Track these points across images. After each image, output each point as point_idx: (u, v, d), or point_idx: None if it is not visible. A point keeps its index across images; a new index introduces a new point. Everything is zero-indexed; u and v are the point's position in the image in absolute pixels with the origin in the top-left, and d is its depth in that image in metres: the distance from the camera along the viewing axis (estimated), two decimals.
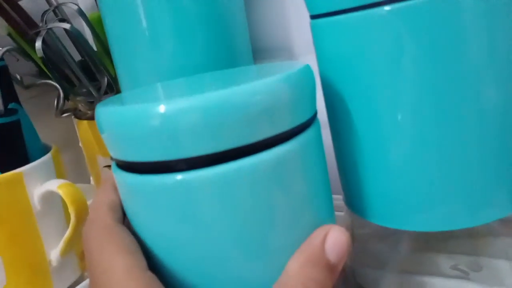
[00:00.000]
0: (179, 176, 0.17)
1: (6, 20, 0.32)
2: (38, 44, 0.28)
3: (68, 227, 0.29)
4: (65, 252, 0.28)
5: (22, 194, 0.27)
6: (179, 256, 0.18)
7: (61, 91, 0.34)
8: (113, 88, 0.36)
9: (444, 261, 0.24)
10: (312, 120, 0.20)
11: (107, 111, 0.18)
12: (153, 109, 0.17)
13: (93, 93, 0.34)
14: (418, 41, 0.18)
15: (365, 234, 0.25)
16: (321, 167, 0.20)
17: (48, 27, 0.30)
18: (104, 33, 0.33)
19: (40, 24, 0.32)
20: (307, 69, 0.19)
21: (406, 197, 0.20)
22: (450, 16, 0.18)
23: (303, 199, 0.19)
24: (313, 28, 0.22)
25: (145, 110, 0.17)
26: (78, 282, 0.31)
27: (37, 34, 0.31)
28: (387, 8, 0.19)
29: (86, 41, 0.33)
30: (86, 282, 0.30)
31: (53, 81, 0.35)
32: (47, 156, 0.28)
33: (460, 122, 0.19)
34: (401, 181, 0.20)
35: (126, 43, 0.29)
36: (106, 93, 0.34)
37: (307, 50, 0.32)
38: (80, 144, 0.40)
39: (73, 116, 0.38)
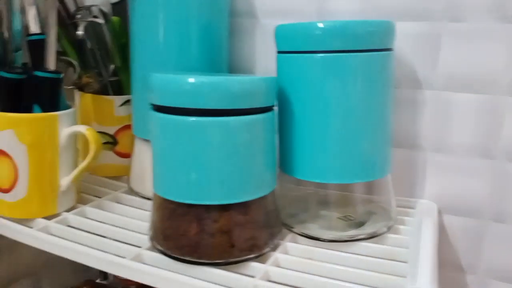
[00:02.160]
0: (193, 118, 0.30)
1: None
2: (81, 31, 0.40)
3: (76, 165, 0.39)
4: (76, 179, 0.39)
5: (54, 130, 0.37)
6: (187, 170, 0.31)
7: (77, 67, 0.45)
8: (117, 73, 0.47)
9: (335, 214, 0.38)
10: (271, 107, 0.34)
11: (164, 77, 0.31)
12: (188, 79, 0.30)
13: (103, 74, 0.46)
14: (331, 76, 0.34)
15: (291, 191, 0.39)
16: (273, 136, 0.34)
17: (89, 19, 0.41)
18: (117, 33, 0.45)
19: (78, 16, 0.43)
20: (274, 79, 0.34)
21: (320, 159, 0.35)
22: (342, 65, 0.34)
23: (260, 149, 0.33)
24: (278, 59, 0.37)
25: (184, 79, 0.30)
26: (72, 208, 0.41)
27: (74, 23, 0.43)
28: (319, 55, 0.34)
29: (107, 35, 0.44)
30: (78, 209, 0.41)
31: (72, 59, 0.45)
32: (73, 109, 0.39)
33: (348, 123, 0.34)
34: (318, 149, 0.35)
35: (145, 44, 0.41)
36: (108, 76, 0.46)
37: (264, 73, 0.47)
38: None
39: (76, 90, 0.48)
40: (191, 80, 0.30)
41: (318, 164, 0.36)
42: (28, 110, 0.37)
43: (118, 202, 0.44)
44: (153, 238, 0.34)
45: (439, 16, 0.40)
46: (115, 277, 0.59)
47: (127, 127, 0.49)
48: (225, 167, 0.31)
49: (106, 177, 0.49)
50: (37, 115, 0.37)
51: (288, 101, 0.36)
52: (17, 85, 0.36)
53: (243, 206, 0.32)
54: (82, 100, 0.48)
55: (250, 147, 0.32)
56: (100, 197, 0.44)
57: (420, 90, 0.43)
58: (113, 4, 0.48)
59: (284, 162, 0.38)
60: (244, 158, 0.32)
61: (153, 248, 0.34)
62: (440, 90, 0.42)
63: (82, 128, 0.37)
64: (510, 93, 0.40)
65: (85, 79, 0.46)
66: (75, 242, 0.36)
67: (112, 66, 0.47)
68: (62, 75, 0.38)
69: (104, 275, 0.62)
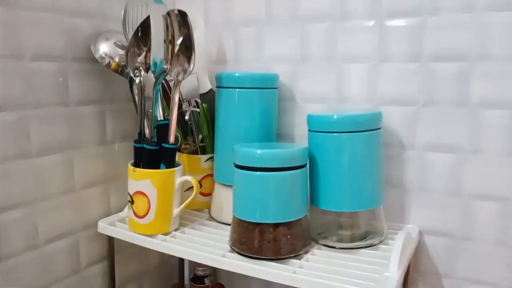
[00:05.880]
0: (259, 172, 0.53)
1: (166, 100, 0.68)
2: (187, 116, 0.66)
3: (179, 202, 0.63)
4: (183, 209, 0.62)
5: (173, 179, 0.61)
6: (255, 203, 0.54)
7: (179, 138, 0.70)
8: (203, 140, 0.72)
9: (346, 233, 0.59)
10: (305, 164, 0.57)
11: (243, 148, 0.55)
12: (257, 151, 0.54)
13: (196, 141, 0.71)
14: (343, 145, 0.56)
15: (315, 216, 0.61)
16: (306, 182, 0.57)
17: (191, 109, 0.67)
18: (205, 114, 0.70)
19: (184, 106, 0.69)
20: (306, 148, 0.57)
21: (334, 196, 0.57)
22: (349, 140, 0.56)
23: (297, 190, 0.55)
24: (309, 134, 0.60)
25: (253, 150, 0.54)
26: (177, 229, 0.64)
27: (181, 112, 0.68)
28: (334, 134, 0.57)
29: (199, 117, 0.69)
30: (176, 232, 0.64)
31: (177, 132, 0.71)
32: (182, 166, 0.64)
33: (355, 171, 0.56)
34: (334, 190, 0.57)
35: (226, 121, 0.66)
36: (199, 142, 0.71)
37: (299, 139, 0.70)
38: None
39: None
40: (259, 151, 0.54)
41: (336, 199, 0.57)
42: (158, 167, 0.62)
43: (203, 225, 0.67)
44: (233, 244, 0.57)
45: (417, 103, 0.62)
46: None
47: (208, 175, 0.73)
48: (277, 202, 0.53)
49: (192, 209, 0.73)
50: (164, 171, 0.61)
51: (315, 160, 0.58)
52: (153, 152, 0.61)
53: (288, 225, 0.54)
54: (180, 158, 0.73)
55: (292, 189, 0.54)
56: (192, 223, 0.68)
57: (406, 150, 0.64)
58: (202, 94, 0.73)
59: (313, 198, 0.60)
60: (289, 196, 0.54)
61: (232, 250, 0.56)
62: (420, 151, 0.63)
63: (189, 178, 0.62)
64: (470, 153, 0.60)
65: (183, 146, 0.71)
66: (184, 248, 0.59)
67: (201, 136, 0.72)
68: (178, 145, 0.62)
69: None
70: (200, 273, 0.80)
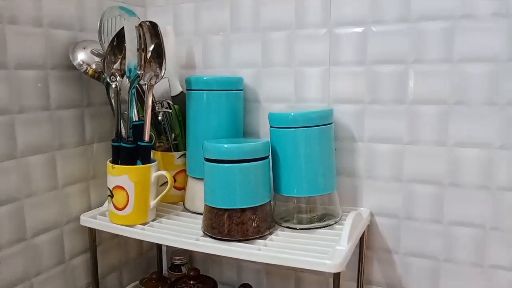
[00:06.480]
0: (226, 164, 0.61)
1: (140, 102, 0.75)
2: (161, 117, 0.72)
3: (155, 195, 0.69)
4: (159, 201, 0.69)
5: (149, 174, 0.68)
6: (224, 191, 0.61)
7: (154, 136, 0.77)
8: (176, 139, 0.79)
9: (306, 216, 0.67)
10: (267, 156, 0.64)
11: (212, 143, 0.62)
12: (224, 145, 0.61)
13: (169, 140, 0.77)
14: (299, 139, 0.64)
15: (278, 203, 0.69)
16: (268, 172, 0.64)
17: (164, 110, 0.73)
18: (177, 114, 0.77)
19: (157, 108, 0.76)
20: (268, 142, 0.65)
21: (294, 183, 0.65)
22: (305, 133, 0.64)
23: (260, 179, 0.63)
24: (270, 130, 0.68)
25: (221, 145, 0.61)
26: (154, 219, 0.70)
27: (154, 113, 0.75)
28: (291, 129, 0.65)
29: (172, 117, 0.76)
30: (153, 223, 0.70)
31: (151, 132, 0.77)
32: (157, 162, 0.70)
33: (311, 161, 0.64)
34: (293, 178, 0.65)
35: (196, 120, 0.73)
36: (172, 141, 0.77)
37: (264, 135, 0.78)
38: None
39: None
40: (226, 145, 0.61)
41: (295, 186, 0.65)
42: (135, 163, 0.68)
43: (178, 216, 0.74)
44: (205, 229, 0.64)
45: (364, 101, 0.71)
46: (169, 272, 0.88)
47: (181, 171, 0.79)
48: (243, 189, 0.61)
49: (168, 202, 0.79)
50: (141, 166, 0.68)
51: (276, 152, 0.66)
52: (130, 150, 0.68)
53: (253, 209, 0.62)
54: (154, 155, 0.79)
55: (256, 178, 0.62)
56: (167, 214, 0.74)
57: (356, 142, 0.73)
58: (173, 97, 0.80)
59: (276, 186, 0.67)
60: (253, 184, 0.61)
61: (205, 235, 0.63)
62: (367, 143, 0.72)
63: (164, 172, 0.68)
64: (408, 143, 0.69)
65: (158, 144, 0.77)
66: (161, 235, 0.65)
67: (173, 135, 0.78)
68: (152, 144, 0.69)
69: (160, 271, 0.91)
70: (177, 261, 0.86)
